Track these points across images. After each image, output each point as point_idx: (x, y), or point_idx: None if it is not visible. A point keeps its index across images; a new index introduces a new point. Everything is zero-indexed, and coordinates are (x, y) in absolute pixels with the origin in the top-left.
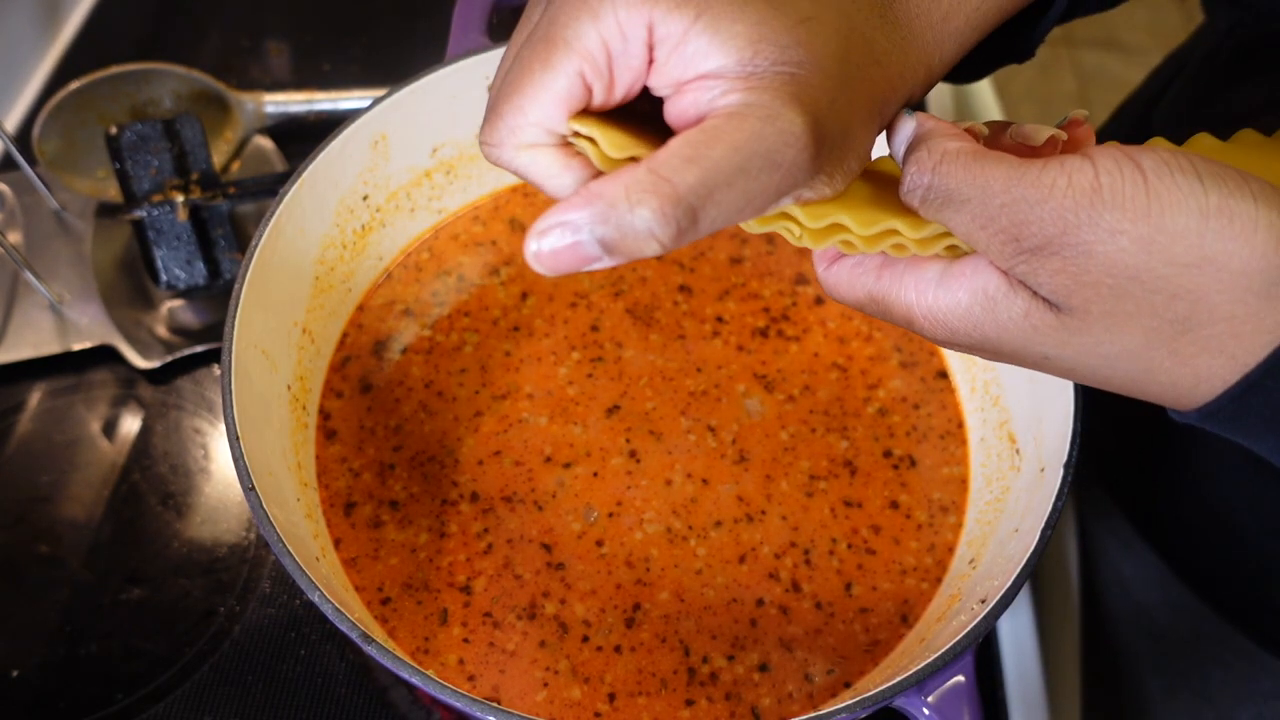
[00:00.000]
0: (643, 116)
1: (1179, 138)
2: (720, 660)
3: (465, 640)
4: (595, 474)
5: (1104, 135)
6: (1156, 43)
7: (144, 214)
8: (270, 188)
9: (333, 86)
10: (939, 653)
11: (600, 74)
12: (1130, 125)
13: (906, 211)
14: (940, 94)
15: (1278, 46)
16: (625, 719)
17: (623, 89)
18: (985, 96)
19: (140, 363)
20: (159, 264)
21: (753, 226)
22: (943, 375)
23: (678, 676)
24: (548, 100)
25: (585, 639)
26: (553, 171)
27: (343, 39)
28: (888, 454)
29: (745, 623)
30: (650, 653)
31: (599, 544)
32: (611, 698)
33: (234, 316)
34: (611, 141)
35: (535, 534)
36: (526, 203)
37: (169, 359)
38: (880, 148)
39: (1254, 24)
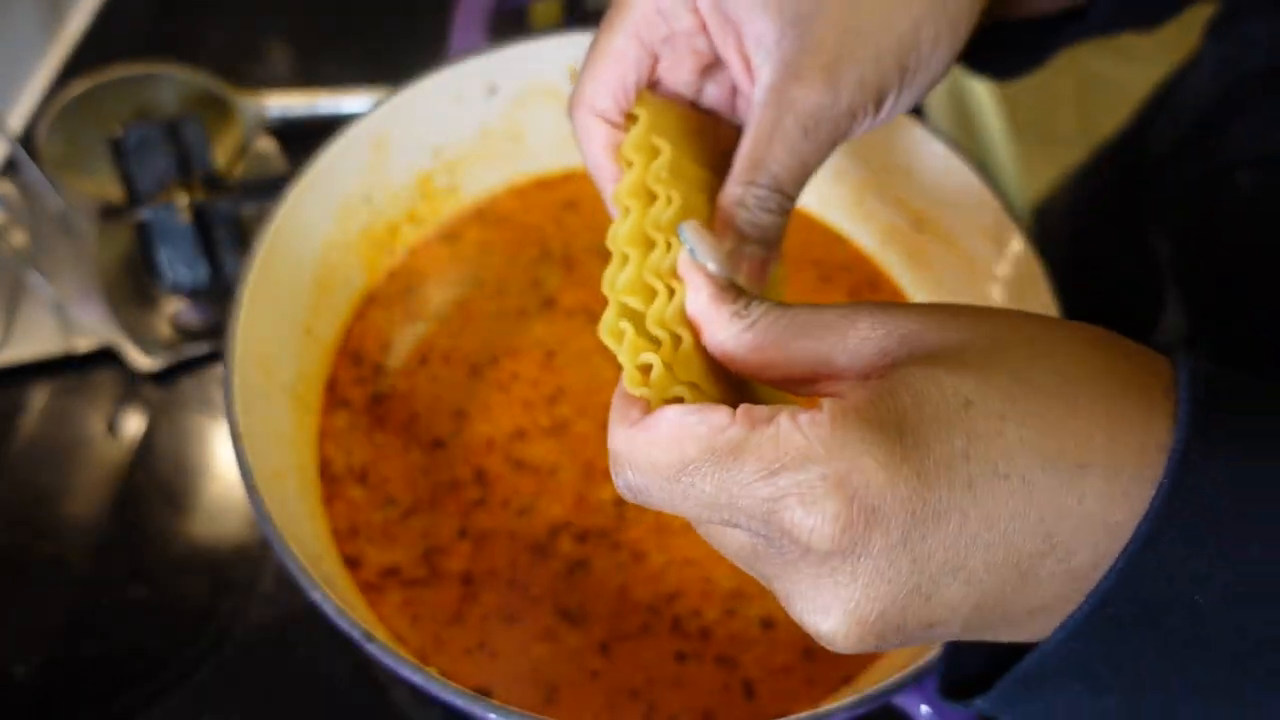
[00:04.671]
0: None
1: (1171, 179)
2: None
3: (474, 627)
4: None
5: (1102, 164)
6: (1159, 48)
7: (147, 215)
8: (273, 189)
9: (334, 87)
10: (938, 650)
11: (655, 30)
12: (1127, 156)
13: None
14: (939, 100)
15: (1258, 93)
16: (620, 668)
17: (680, 52)
18: (984, 101)
19: (144, 363)
20: (162, 265)
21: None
22: None
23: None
24: (614, 62)
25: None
26: (593, 137)
27: (345, 40)
28: None
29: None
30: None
31: (610, 533)
32: (604, 647)
33: (236, 317)
34: (654, 121)
35: (537, 522)
36: (528, 203)
37: (173, 360)
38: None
39: (1242, 59)
